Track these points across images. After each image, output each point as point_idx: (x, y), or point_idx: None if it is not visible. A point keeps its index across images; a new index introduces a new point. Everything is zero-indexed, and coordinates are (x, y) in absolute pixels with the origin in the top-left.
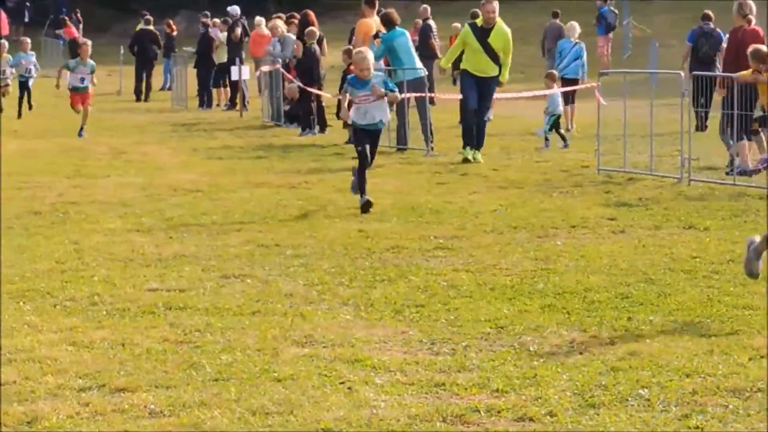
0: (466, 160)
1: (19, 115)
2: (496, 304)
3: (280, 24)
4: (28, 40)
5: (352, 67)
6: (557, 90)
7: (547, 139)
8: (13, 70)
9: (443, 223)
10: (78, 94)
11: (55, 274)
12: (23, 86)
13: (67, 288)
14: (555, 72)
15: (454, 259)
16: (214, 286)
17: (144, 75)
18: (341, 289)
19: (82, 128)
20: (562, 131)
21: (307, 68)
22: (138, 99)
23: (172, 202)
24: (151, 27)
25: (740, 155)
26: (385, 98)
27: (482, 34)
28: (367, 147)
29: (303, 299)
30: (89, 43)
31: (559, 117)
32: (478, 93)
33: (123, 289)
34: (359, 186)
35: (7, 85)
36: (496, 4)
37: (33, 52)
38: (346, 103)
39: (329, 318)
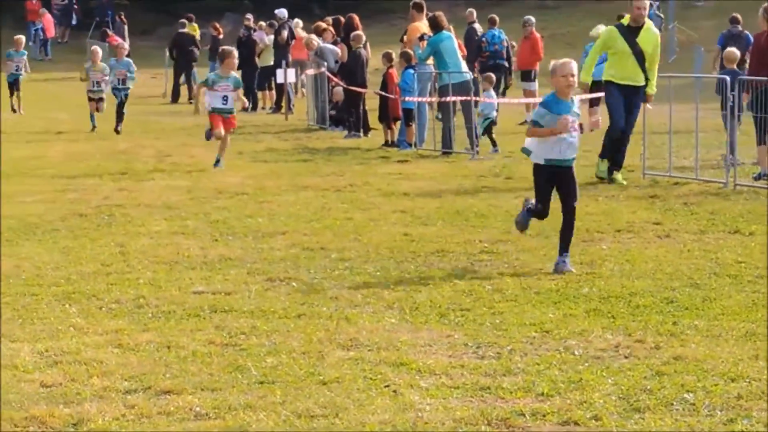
0: (610, 180)
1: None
2: (541, 308)
3: (314, 38)
4: (126, 46)
5: (391, 70)
6: (493, 96)
7: (494, 144)
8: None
9: (488, 227)
10: (220, 116)
11: (101, 276)
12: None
13: (113, 290)
14: (492, 75)
15: (499, 263)
16: (260, 289)
17: (183, 77)
18: (386, 293)
19: (219, 159)
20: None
21: (353, 71)
22: (174, 101)
23: (217, 204)
24: (188, 30)
25: (759, 160)
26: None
27: (631, 34)
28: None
29: (348, 302)
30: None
31: (492, 121)
32: (625, 107)
33: (168, 291)
34: (526, 222)
35: (101, 99)
36: (647, 2)
37: (129, 59)
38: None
39: (374, 321)
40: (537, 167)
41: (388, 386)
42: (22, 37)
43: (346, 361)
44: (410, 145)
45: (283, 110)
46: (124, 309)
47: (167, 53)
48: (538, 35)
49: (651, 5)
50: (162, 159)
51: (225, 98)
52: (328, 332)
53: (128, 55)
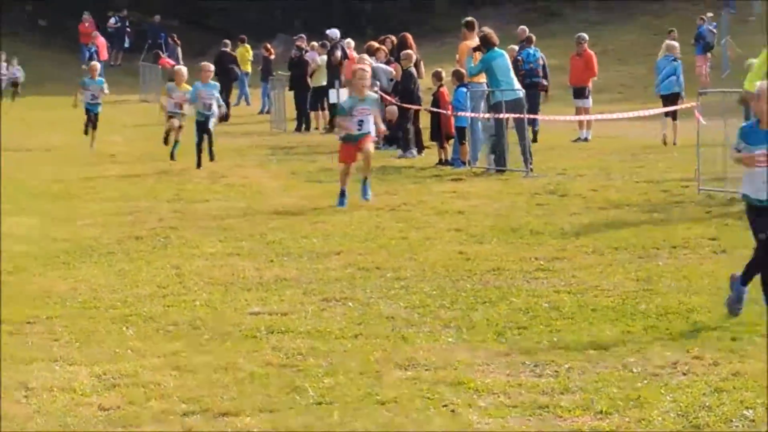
0: None
1: (198, 164)
2: (598, 325)
3: (366, 58)
4: (211, 68)
5: (442, 89)
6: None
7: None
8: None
9: (544, 244)
10: (351, 144)
11: (157, 298)
12: (201, 127)
13: (170, 313)
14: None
15: (556, 281)
16: (316, 309)
17: (226, 94)
18: (443, 312)
19: (366, 184)
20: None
21: (406, 90)
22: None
23: (272, 225)
24: (230, 49)
25: None
26: None
27: None
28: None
29: (404, 322)
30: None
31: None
32: None
33: (225, 313)
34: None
35: (180, 126)
36: None
37: (216, 83)
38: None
39: (431, 340)
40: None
41: (446, 406)
42: (98, 64)
43: (403, 381)
44: (464, 163)
45: (336, 130)
46: (181, 331)
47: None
48: (591, 52)
49: (703, 20)
50: (216, 180)
51: (361, 122)
52: (384, 352)
53: None
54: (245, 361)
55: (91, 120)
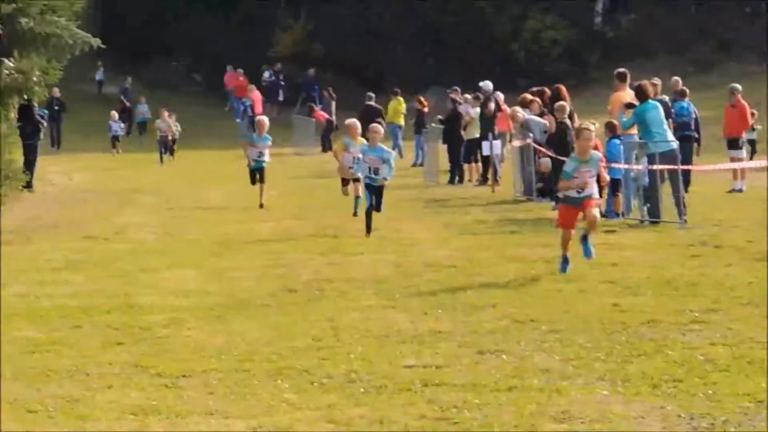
0: None
1: (368, 230)
2: (754, 377)
3: (519, 111)
4: (381, 130)
5: (595, 141)
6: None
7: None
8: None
9: (698, 296)
10: (573, 207)
11: (312, 351)
12: (372, 191)
13: (324, 365)
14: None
15: (711, 333)
16: (470, 362)
17: None
18: (597, 364)
19: (587, 241)
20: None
21: (561, 142)
22: None
23: (426, 277)
24: (374, 102)
25: None
26: None
27: None
28: None
29: (559, 374)
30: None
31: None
32: None
33: (379, 365)
34: None
35: (358, 180)
36: None
37: (383, 147)
38: None
39: (586, 393)
40: None
41: None
42: (265, 119)
43: None
44: (618, 214)
45: (489, 182)
46: (336, 384)
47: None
48: (744, 103)
49: None
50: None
51: (582, 185)
52: (539, 405)
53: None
54: (400, 414)
55: (259, 175)
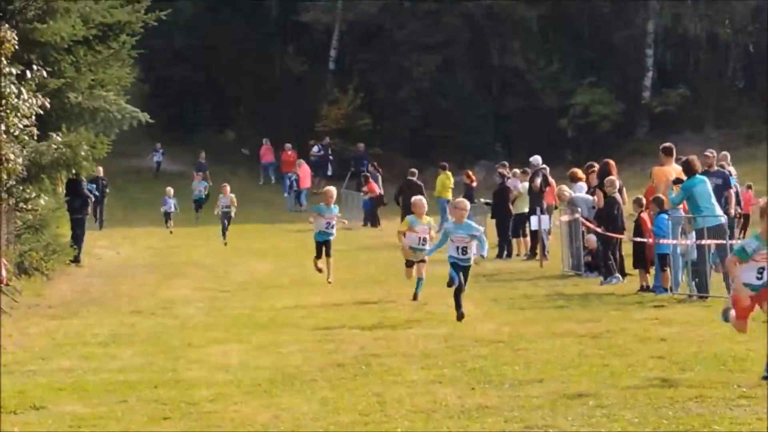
0: None
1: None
2: None
3: (566, 190)
4: (467, 206)
5: (643, 215)
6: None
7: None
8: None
9: (747, 371)
10: (752, 293)
11: (359, 426)
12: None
13: None
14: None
15: (759, 408)
16: None
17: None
18: None
19: None
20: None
21: (610, 217)
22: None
23: (473, 352)
24: (416, 178)
25: None
26: None
27: None
28: None
29: None
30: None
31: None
32: None
33: None
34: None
35: (423, 261)
36: None
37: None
38: None
39: None
40: None
41: None
42: (332, 189)
43: None
44: (666, 289)
45: (537, 257)
46: None
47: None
48: None
49: None
50: (418, 307)
51: (762, 270)
52: None
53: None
54: None
55: (326, 248)
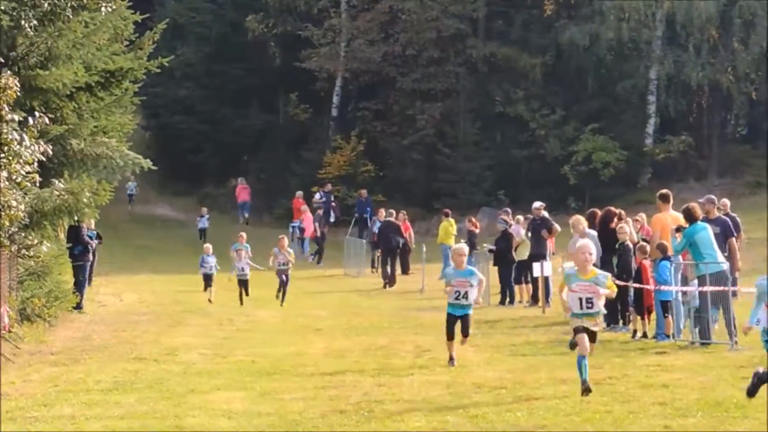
0: None
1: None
2: None
3: (582, 220)
4: (465, 251)
5: (644, 261)
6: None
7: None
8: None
9: (749, 418)
10: None
11: None
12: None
13: None
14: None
15: None
16: None
17: (389, 262)
18: None
19: None
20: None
21: (624, 266)
22: (385, 286)
23: (476, 399)
24: (394, 219)
25: None
26: None
27: None
28: None
29: None
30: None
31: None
32: None
33: None
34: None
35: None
36: None
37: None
38: None
39: None
40: None
41: None
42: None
43: None
44: (668, 336)
45: (540, 303)
46: None
47: (424, 248)
48: None
49: None
50: (421, 354)
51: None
52: None
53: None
54: None
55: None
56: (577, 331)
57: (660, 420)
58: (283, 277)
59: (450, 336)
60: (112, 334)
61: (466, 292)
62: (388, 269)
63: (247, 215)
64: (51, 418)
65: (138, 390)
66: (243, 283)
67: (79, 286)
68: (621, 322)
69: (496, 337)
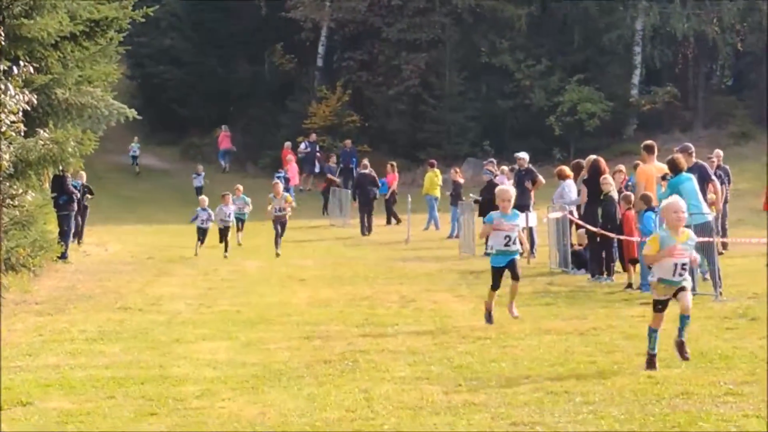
0: None
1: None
2: None
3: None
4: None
5: (629, 212)
6: None
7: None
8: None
9: (733, 369)
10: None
11: (346, 422)
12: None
13: None
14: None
15: (745, 405)
16: None
17: (365, 214)
18: None
19: None
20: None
21: (608, 215)
22: (363, 234)
23: (460, 349)
24: (369, 171)
25: None
26: None
27: None
28: None
29: None
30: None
31: None
32: None
33: None
34: None
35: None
36: None
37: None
38: None
39: None
40: None
41: None
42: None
43: None
44: None
45: (525, 254)
46: None
47: (409, 198)
48: None
49: None
50: (406, 304)
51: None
52: None
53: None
54: None
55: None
56: (659, 304)
57: (644, 370)
58: (279, 226)
59: (496, 285)
60: (97, 284)
61: (515, 238)
62: (366, 219)
63: (224, 164)
64: (35, 368)
65: (123, 339)
66: (223, 232)
67: (64, 236)
68: (605, 273)
69: (481, 288)
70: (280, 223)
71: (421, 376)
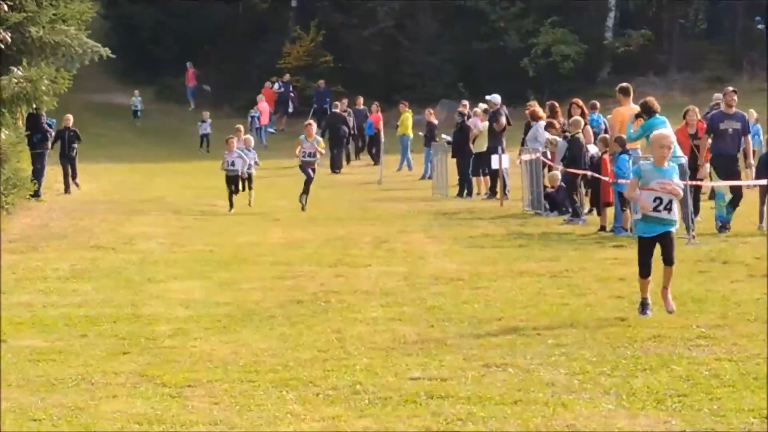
0: None
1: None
2: (760, 393)
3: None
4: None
5: (605, 156)
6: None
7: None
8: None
9: (705, 312)
10: None
11: (318, 362)
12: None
13: (330, 377)
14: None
15: (717, 348)
16: (476, 375)
17: (336, 151)
18: (603, 378)
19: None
20: None
21: (574, 158)
22: (333, 172)
23: (433, 290)
24: (339, 110)
25: None
26: None
27: None
28: None
29: (564, 388)
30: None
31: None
32: None
33: (385, 377)
34: None
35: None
36: None
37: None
38: None
39: (591, 407)
40: None
41: None
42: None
43: None
44: (626, 230)
45: (498, 196)
46: (341, 395)
47: (382, 139)
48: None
49: None
50: (379, 245)
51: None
52: (544, 418)
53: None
54: (405, 426)
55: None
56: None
57: (616, 313)
58: (310, 171)
59: (645, 272)
60: (70, 223)
61: (670, 201)
62: (335, 157)
63: (190, 99)
64: (8, 306)
65: (95, 278)
66: (231, 180)
67: (37, 174)
68: (576, 214)
69: (454, 229)
70: (311, 169)
71: (393, 317)
